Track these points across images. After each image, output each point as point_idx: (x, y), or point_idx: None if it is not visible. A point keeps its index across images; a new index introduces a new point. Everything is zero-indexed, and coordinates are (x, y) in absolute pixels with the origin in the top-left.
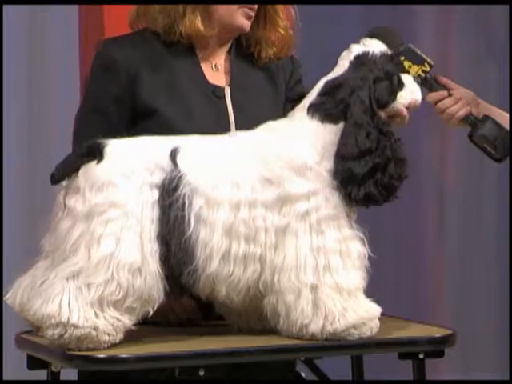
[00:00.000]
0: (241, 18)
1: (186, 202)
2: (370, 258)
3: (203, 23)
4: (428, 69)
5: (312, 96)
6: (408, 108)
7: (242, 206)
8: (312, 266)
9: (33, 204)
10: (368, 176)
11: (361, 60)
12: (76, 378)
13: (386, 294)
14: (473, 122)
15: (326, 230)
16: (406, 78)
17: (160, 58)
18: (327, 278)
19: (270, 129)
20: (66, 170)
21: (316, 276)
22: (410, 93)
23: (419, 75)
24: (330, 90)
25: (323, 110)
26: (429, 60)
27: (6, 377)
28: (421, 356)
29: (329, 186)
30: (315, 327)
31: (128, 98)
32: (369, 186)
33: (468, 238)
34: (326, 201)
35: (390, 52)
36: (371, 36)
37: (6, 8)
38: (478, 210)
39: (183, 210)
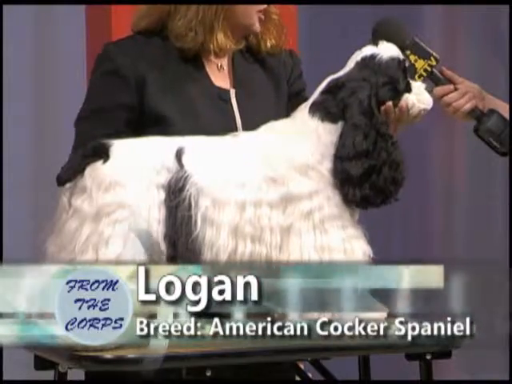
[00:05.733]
0: (256, 21)
1: (193, 203)
2: (377, 258)
3: (230, 37)
4: (434, 63)
5: (315, 94)
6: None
7: (248, 206)
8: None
9: (39, 205)
10: (364, 178)
11: (366, 62)
12: (83, 379)
13: None
14: (478, 116)
15: (329, 229)
16: (416, 85)
17: (165, 61)
18: None
19: (272, 129)
20: (72, 171)
21: None
22: (416, 100)
23: (425, 69)
24: (332, 88)
25: (323, 109)
26: (435, 54)
27: (12, 377)
28: (428, 357)
29: (330, 186)
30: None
31: (136, 103)
32: (365, 189)
33: (476, 237)
34: (329, 200)
35: (400, 57)
36: (377, 29)
37: (13, 8)
38: (487, 210)
39: (189, 210)
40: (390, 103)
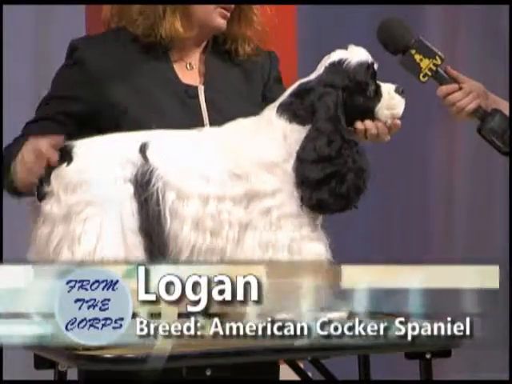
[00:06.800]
0: (217, 18)
1: (160, 196)
2: (377, 258)
3: (182, 25)
4: (439, 62)
5: (284, 96)
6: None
7: (211, 200)
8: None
9: None
10: (323, 183)
11: (335, 67)
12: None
13: None
14: (482, 116)
15: (284, 226)
16: (385, 88)
17: (132, 59)
18: None
19: (238, 125)
20: (43, 181)
21: None
22: (385, 108)
23: (430, 68)
24: (301, 92)
25: (291, 111)
26: (440, 53)
27: (12, 376)
28: (428, 356)
29: (294, 185)
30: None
31: (95, 98)
32: (322, 193)
33: (476, 237)
34: (290, 199)
35: (369, 62)
36: (382, 29)
37: (13, 8)
38: (487, 210)
39: (158, 204)
40: (366, 124)
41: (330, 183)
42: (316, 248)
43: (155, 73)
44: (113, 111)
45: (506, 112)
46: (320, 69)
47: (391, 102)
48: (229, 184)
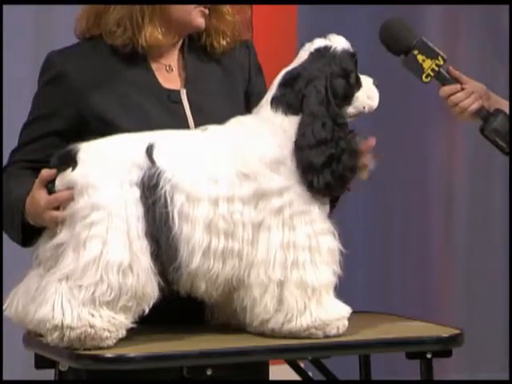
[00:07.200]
0: (198, 17)
1: (168, 199)
2: (377, 258)
3: (162, 32)
4: (441, 63)
5: (273, 88)
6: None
7: (221, 202)
8: (281, 262)
9: None
10: (325, 165)
11: (321, 53)
12: (85, 378)
13: (394, 293)
14: (485, 116)
15: (297, 225)
16: (365, 80)
17: (111, 68)
18: (294, 275)
19: (240, 124)
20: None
21: (284, 272)
22: (366, 97)
23: (433, 69)
24: (289, 81)
25: (285, 102)
26: (442, 54)
27: (13, 376)
28: (428, 356)
29: (300, 181)
30: (275, 323)
31: (77, 110)
32: (327, 176)
33: (475, 238)
34: (298, 196)
35: (351, 50)
36: (385, 29)
37: (13, 8)
38: (486, 210)
39: (166, 207)
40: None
41: (331, 165)
42: (330, 241)
43: (137, 80)
44: (98, 123)
45: (509, 112)
46: (303, 56)
47: (370, 92)
48: (237, 184)
